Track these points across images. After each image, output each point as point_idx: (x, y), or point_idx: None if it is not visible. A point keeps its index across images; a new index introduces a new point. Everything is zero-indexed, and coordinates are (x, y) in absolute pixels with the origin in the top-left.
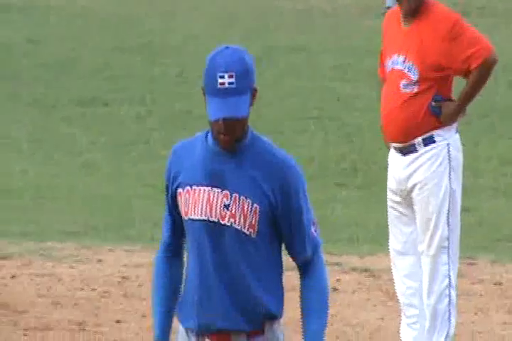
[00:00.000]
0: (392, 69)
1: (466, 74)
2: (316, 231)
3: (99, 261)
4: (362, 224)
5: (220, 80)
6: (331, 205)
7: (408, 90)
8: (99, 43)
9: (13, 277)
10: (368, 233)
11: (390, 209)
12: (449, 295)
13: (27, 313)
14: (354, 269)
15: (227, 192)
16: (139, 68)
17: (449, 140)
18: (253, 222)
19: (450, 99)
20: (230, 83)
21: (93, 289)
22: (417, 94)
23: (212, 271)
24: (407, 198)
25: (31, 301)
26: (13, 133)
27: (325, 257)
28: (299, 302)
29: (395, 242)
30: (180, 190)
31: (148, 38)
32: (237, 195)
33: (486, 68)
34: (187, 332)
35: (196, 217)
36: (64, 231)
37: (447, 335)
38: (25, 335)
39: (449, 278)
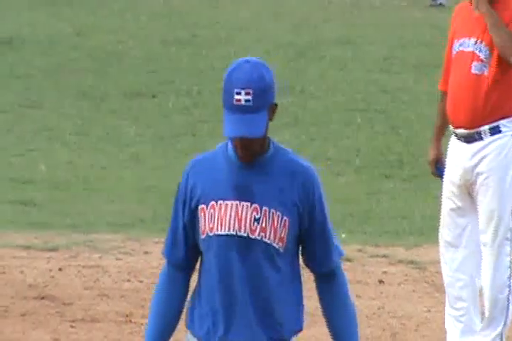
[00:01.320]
0: (462, 51)
1: None
2: (337, 241)
3: (146, 252)
4: (408, 216)
5: (237, 97)
6: (377, 197)
7: (479, 72)
8: (147, 36)
9: (60, 269)
10: (414, 225)
11: (445, 200)
12: (510, 286)
13: (74, 305)
14: (400, 261)
15: (257, 205)
16: (186, 60)
17: None
18: (283, 235)
19: None
20: (246, 100)
21: (140, 281)
22: (487, 76)
23: (237, 287)
24: (468, 188)
25: (78, 293)
26: (60, 125)
27: (371, 249)
28: (327, 321)
29: (447, 234)
30: (202, 205)
31: (196, 30)
32: (268, 208)
33: None
34: None
35: (223, 232)
36: (111, 223)
37: (505, 323)
38: (72, 327)
39: (511, 269)
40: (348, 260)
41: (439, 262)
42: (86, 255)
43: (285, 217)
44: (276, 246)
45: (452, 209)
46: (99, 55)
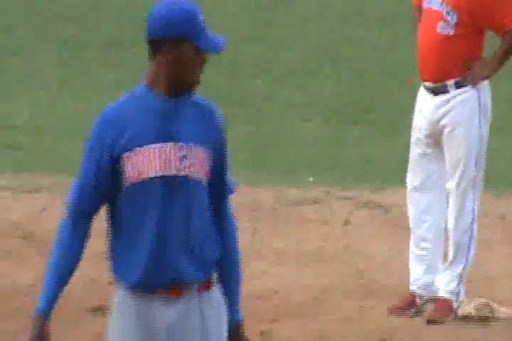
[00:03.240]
0: (430, 9)
1: (499, 31)
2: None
3: None
4: (373, 161)
5: (201, 20)
6: (343, 142)
7: (445, 32)
8: None
9: (43, 209)
10: (379, 169)
11: (413, 146)
12: (472, 229)
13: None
14: (366, 204)
15: (182, 144)
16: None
17: (481, 87)
18: (206, 169)
19: (479, 55)
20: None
21: None
22: (453, 37)
23: (168, 223)
24: (435, 138)
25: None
26: (43, 72)
27: (338, 192)
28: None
29: (414, 178)
30: (127, 153)
31: None
32: (192, 145)
33: None
34: (132, 297)
35: (152, 175)
36: None
37: (465, 265)
38: None
39: (474, 214)
40: (316, 202)
41: (402, 205)
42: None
43: (207, 152)
44: (202, 180)
45: (420, 155)
46: (80, 4)
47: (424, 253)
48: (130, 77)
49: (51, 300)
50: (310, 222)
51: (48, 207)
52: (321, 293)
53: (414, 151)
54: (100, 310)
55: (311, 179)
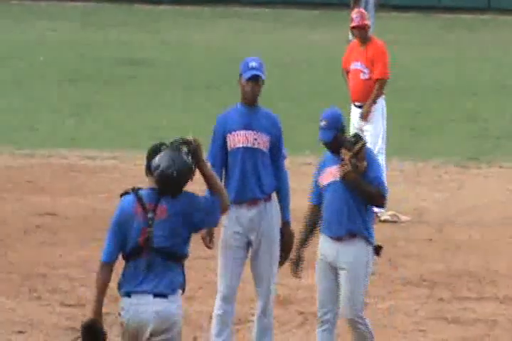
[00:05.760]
0: (355, 68)
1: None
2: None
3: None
4: None
5: (251, 64)
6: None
7: (363, 77)
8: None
9: None
10: None
11: (354, 129)
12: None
13: None
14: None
15: (255, 131)
16: None
17: (381, 100)
18: (267, 144)
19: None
20: (255, 65)
21: None
22: (367, 79)
23: (248, 168)
24: (361, 128)
25: None
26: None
27: (318, 159)
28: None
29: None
30: (228, 134)
31: None
32: (260, 132)
33: (383, 83)
34: (232, 206)
35: (240, 145)
36: None
37: None
38: None
39: (382, 157)
40: (308, 164)
41: None
42: None
43: (268, 136)
44: (265, 150)
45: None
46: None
47: None
48: (214, 105)
49: None
50: (306, 173)
51: None
52: None
53: (356, 131)
54: None
55: (307, 152)
